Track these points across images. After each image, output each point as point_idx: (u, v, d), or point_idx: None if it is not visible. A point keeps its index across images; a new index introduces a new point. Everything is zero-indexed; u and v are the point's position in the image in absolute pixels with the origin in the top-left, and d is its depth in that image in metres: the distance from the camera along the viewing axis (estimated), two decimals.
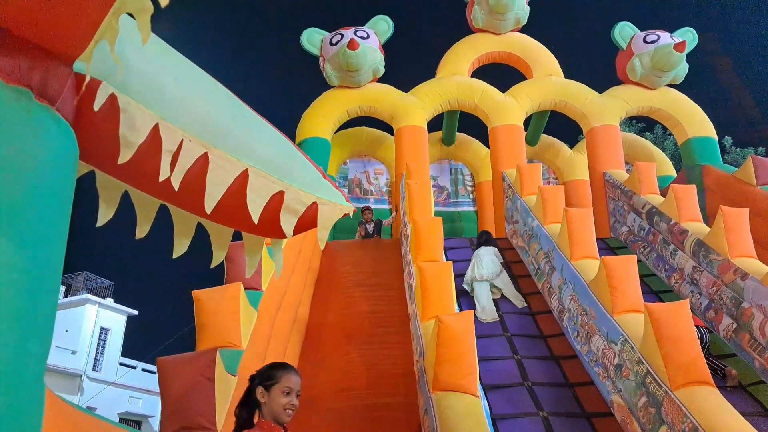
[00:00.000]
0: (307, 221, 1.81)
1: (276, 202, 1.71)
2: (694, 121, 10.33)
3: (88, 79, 1.31)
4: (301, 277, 6.75)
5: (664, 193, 8.22)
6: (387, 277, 7.37)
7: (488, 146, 10.36)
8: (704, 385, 3.89)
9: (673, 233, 7.24)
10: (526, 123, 10.81)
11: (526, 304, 6.80)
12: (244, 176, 1.61)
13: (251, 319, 4.51)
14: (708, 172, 9.35)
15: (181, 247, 1.84)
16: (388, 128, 10.58)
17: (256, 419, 2.21)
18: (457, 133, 11.85)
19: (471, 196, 11.90)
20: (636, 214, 8.35)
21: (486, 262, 7.08)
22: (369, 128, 11.66)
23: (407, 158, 9.16)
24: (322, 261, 7.96)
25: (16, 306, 1.06)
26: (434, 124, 10.82)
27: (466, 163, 12.10)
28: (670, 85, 10.75)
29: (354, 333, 6.19)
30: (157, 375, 3.44)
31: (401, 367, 5.47)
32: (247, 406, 2.25)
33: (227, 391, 3.54)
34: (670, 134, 22.72)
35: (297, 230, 1.75)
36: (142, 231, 1.78)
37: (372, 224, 9.42)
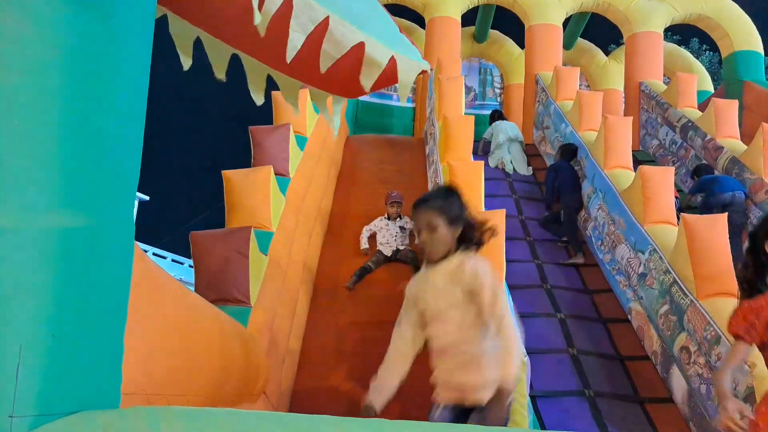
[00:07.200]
0: (384, 77, 1.70)
1: (353, 54, 1.59)
2: (742, 33, 9.70)
3: None
4: (325, 169, 6.66)
5: (701, 108, 7.90)
6: (411, 174, 7.28)
7: (522, 46, 9.83)
8: (732, 297, 3.90)
9: (707, 149, 7.04)
10: (564, 24, 10.19)
11: (532, 172, 7.51)
12: (324, 24, 1.48)
13: (280, 204, 4.48)
14: (749, 89, 8.93)
15: (258, 98, 1.78)
16: (418, 19, 9.99)
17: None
18: (490, 30, 11.21)
19: (498, 99, 11.48)
20: (669, 128, 8.08)
21: (510, 126, 7.72)
22: (397, 18, 11.01)
23: (438, 52, 8.71)
24: (344, 155, 7.83)
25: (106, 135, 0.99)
26: (465, 19, 10.20)
27: (497, 63, 11.55)
28: None
29: None
30: (191, 249, 3.45)
31: None
32: (753, 266, 1.97)
33: (260, 268, 3.58)
34: (707, 49, 21.63)
35: (375, 86, 1.65)
36: (219, 72, 1.69)
37: (397, 224, 5.64)
